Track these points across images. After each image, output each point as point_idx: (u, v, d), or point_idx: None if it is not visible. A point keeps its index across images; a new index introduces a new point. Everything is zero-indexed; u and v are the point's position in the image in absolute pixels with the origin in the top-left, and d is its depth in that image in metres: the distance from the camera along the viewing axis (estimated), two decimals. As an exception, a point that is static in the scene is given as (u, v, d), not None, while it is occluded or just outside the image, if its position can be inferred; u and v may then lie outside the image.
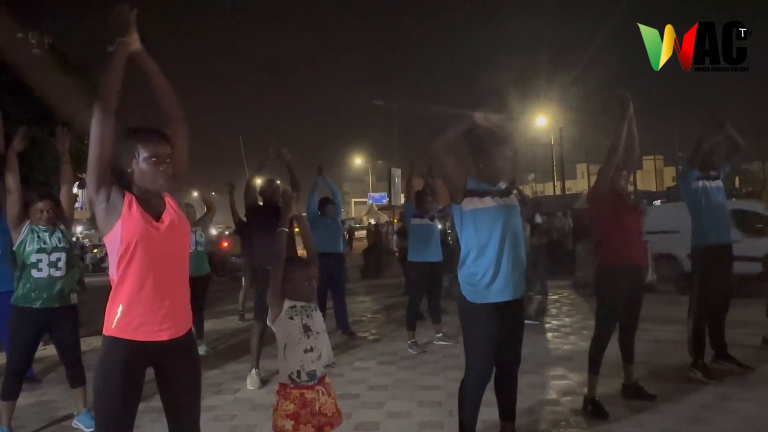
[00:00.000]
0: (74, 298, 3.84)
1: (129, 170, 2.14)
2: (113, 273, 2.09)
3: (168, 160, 2.15)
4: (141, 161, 2.11)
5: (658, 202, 17.84)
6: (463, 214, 2.93)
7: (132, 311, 2.07)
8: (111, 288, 2.12)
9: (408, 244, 6.40)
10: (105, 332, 2.10)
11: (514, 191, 3.20)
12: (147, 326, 2.08)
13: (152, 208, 2.15)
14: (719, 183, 4.49)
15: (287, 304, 2.49)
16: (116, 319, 2.07)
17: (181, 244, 2.24)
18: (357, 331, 6.95)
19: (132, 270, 2.06)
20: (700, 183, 4.41)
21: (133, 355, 2.08)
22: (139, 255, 2.06)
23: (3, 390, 3.69)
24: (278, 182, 5.39)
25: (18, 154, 3.84)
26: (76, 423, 3.88)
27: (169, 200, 2.23)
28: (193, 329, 2.32)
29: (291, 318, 2.46)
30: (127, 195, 2.11)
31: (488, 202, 2.88)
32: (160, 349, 2.12)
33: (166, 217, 2.16)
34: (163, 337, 2.11)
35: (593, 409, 3.70)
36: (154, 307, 2.08)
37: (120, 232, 2.05)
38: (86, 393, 3.83)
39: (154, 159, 2.11)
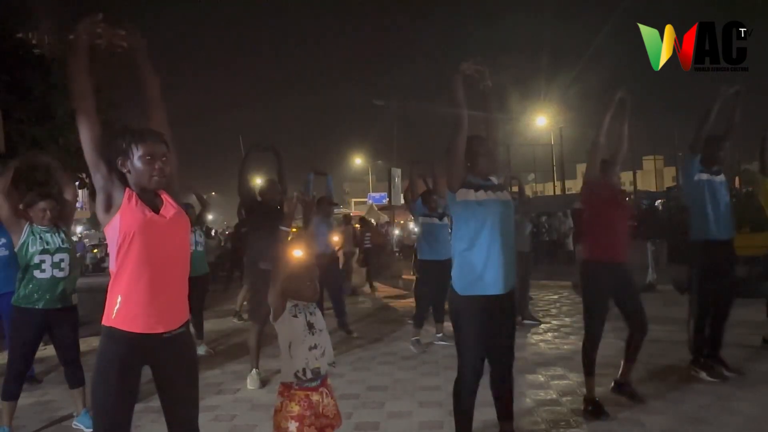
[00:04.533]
0: (75, 298, 3.85)
1: (125, 171, 2.16)
2: (112, 264, 2.13)
3: (164, 158, 2.18)
4: (136, 159, 2.15)
5: (658, 203, 17.80)
6: (456, 204, 2.96)
7: (130, 302, 2.10)
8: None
9: (418, 242, 6.41)
10: (104, 322, 2.13)
11: (515, 188, 3.23)
12: (143, 318, 2.10)
13: (151, 203, 2.19)
14: (722, 178, 4.43)
15: (289, 303, 2.49)
16: (115, 310, 2.11)
17: (180, 238, 2.26)
18: (357, 331, 6.95)
19: (129, 261, 2.09)
20: (704, 176, 4.36)
21: (129, 350, 2.11)
22: (136, 246, 2.09)
23: (4, 390, 3.69)
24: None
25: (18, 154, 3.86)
26: (76, 424, 3.88)
27: (165, 197, 2.26)
28: (190, 325, 2.33)
29: (295, 316, 2.47)
30: (128, 190, 2.16)
31: (481, 195, 2.93)
32: (156, 344, 2.14)
33: (165, 211, 2.20)
34: (159, 329, 2.13)
35: (594, 409, 3.69)
36: (151, 299, 2.11)
37: (119, 223, 2.10)
38: (86, 393, 3.83)
39: (149, 157, 2.15)
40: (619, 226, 3.82)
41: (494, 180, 3.03)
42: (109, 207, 2.13)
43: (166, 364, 2.21)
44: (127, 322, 2.09)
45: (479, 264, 2.88)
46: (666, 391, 4.06)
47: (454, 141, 2.94)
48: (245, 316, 8.02)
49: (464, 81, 2.98)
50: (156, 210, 2.18)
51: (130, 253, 2.09)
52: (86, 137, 2.16)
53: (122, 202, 2.12)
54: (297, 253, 2.59)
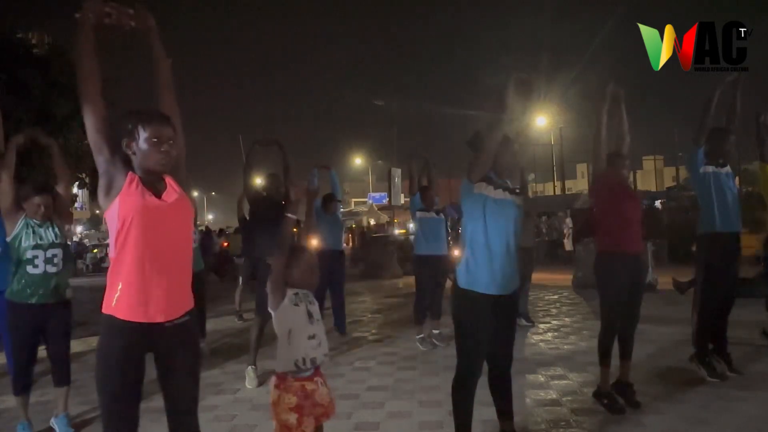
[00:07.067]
0: (69, 293, 3.82)
1: (131, 153, 2.13)
2: (111, 250, 2.10)
3: (170, 141, 2.15)
4: (142, 141, 2.11)
5: (658, 203, 17.83)
6: (471, 195, 2.95)
7: (130, 290, 2.06)
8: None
9: (415, 237, 6.36)
10: (104, 310, 2.10)
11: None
12: (143, 307, 2.06)
13: (154, 188, 2.15)
14: (728, 169, 4.40)
15: (290, 291, 2.49)
16: (116, 298, 2.07)
17: (181, 224, 2.22)
18: (357, 331, 6.94)
19: (129, 246, 2.06)
20: (710, 168, 4.32)
21: (130, 338, 2.08)
22: (135, 232, 2.05)
23: (15, 386, 3.72)
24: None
25: (18, 154, 3.83)
26: (52, 423, 3.85)
27: (170, 181, 2.22)
28: (194, 312, 2.29)
29: (296, 305, 2.47)
30: (131, 174, 2.12)
31: (499, 194, 2.93)
32: (158, 332, 2.11)
33: (167, 196, 2.16)
34: (159, 318, 2.10)
35: (609, 402, 3.70)
36: (151, 287, 2.07)
37: (118, 208, 2.06)
38: (68, 395, 3.82)
39: (155, 139, 2.11)
40: (632, 218, 3.82)
41: (510, 183, 3.03)
42: (109, 190, 2.09)
43: (168, 353, 2.17)
44: (127, 310, 2.06)
45: (484, 262, 2.87)
46: (666, 391, 4.06)
47: (490, 139, 2.92)
48: (246, 315, 8.02)
49: (517, 87, 2.93)
50: (158, 195, 2.14)
51: (129, 239, 2.05)
52: (90, 118, 2.13)
53: (123, 186, 2.07)
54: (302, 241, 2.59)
